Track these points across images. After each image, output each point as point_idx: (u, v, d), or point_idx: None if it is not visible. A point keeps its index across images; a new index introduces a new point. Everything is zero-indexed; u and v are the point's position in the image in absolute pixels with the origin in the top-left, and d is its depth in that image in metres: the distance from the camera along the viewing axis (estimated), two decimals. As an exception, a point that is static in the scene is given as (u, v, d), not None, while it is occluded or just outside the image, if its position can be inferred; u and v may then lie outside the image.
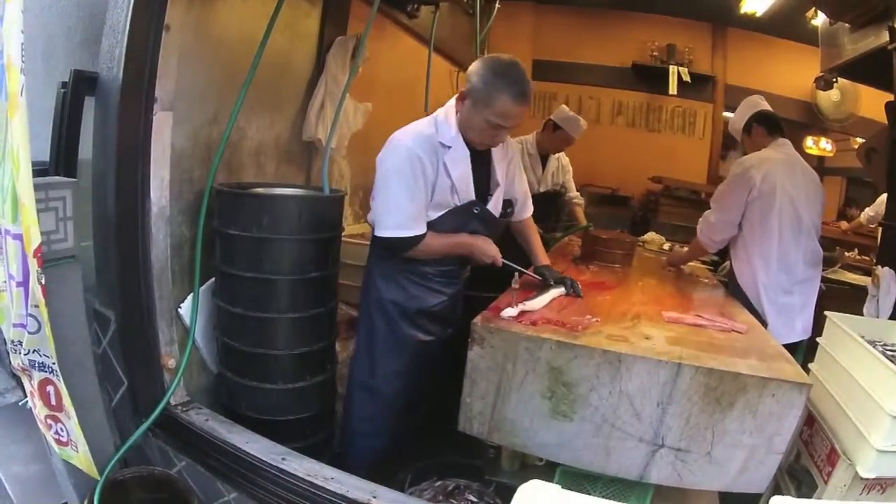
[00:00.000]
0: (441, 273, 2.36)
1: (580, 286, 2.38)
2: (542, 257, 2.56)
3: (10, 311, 1.69)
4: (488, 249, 2.28)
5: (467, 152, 2.20)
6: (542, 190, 4.25)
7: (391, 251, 2.24)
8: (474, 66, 2.12)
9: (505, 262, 2.31)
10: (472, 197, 2.27)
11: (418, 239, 2.16)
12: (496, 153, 2.36)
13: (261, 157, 2.86)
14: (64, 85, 2.04)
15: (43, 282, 1.59)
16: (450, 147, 2.17)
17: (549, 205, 4.31)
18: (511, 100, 2.04)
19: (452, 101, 2.23)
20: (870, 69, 3.09)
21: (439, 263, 2.32)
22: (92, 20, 2.21)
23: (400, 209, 2.13)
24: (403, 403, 2.46)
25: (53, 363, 1.70)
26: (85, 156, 2.10)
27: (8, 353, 1.85)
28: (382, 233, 2.17)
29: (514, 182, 2.52)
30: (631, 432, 1.75)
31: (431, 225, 2.21)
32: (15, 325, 1.67)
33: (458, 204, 2.24)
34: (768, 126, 3.01)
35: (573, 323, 1.94)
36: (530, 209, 2.63)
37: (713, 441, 1.70)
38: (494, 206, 2.36)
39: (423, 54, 3.98)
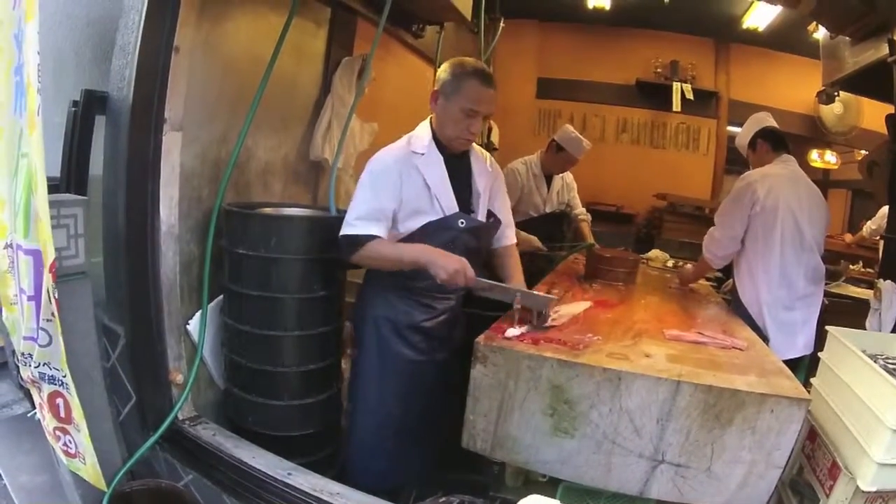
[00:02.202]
0: (429, 287, 2.27)
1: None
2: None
3: (21, 325, 1.72)
4: (448, 263, 2.05)
5: (441, 157, 2.26)
6: (548, 210, 4.23)
7: (343, 252, 2.19)
8: (441, 69, 2.26)
9: (480, 279, 2.15)
10: (454, 206, 2.25)
11: (361, 239, 2.12)
12: (476, 166, 2.39)
13: (268, 177, 2.90)
14: (75, 104, 2.10)
15: (56, 296, 1.62)
16: (423, 154, 2.23)
17: (556, 224, 4.31)
18: (478, 83, 2.16)
19: (427, 119, 2.33)
20: (871, 82, 3.11)
21: (424, 277, 2.15)
22: (102, 38, 2.27)
23: (353, 209, 2.16)
24: (400, 427, 2.40)
25: (64, 376, 1.72)
26: (95, 172, 2.16)
27: (17, 365, 1.88)
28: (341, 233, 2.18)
29: (498, 204, 2.50)
30: (631, 448, 1.77)
31: (415, 237, 2.20)
32: (25, 338, 1.70)
33: (443, 214, 2.23)
34: (773, 142, 3.03)
35: (574, 341, 1.95)
36: (512, 238, 2.59)
37: (713, 457, 1.71)
38: (480, 215, 2.37)
39: (428, 73, 4.01)
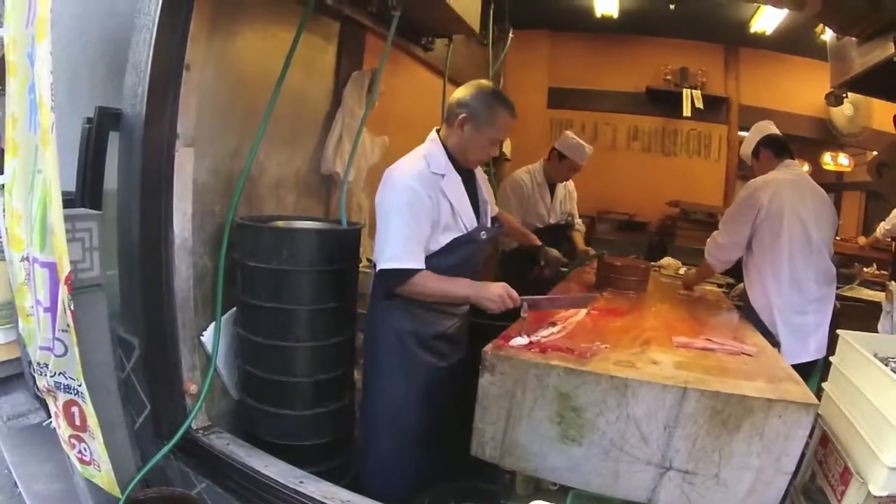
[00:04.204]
0: None
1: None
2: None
3: (38, 335, 1.77)
4: (492, 292, 2.20)
5: (459, 177, 2.32)
6: (552, 221, 4.16)
7: (387, 285, 2.24)
8: (466, 94, 2.26)
9: (524, 298, 2.20)
10: (474, 219, 2.35)
11: (411, 273, 2.16)
12: (479, 176, 2.51)
13: (280, 191, 2.93)
14: (89, 120, 2.14)
15: (72, 307, 1.66)
16: (443, 175, 2.26)
17: (561, 236, 4.20)
18: (508, 115, 2.27)
19: (434, 135, 2.36)
20: (878, 82, 3.09)
21: None
22: (115, 55, 2.31)
23: (395, 242, 2.16)
24: (423, 436, 2.41)
25: (79, 385, 1.75)
26: (109, 186, 2.20)
27: (33, 375, 1.92)
28: (379, 265, 2.19)
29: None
30: (638, 456, 1.77)
31: (442, 253, 2.25)
32: (42, 349, 1.75)
33: (466, 229, 2.30)
34: (775, 149, 3.06)
35: (581, 350, 1.96)
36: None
37: (721, 463, 1.71)
38: (487, 222, 2.50)
39: (438, 86, 4.03)
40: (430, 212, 2.20)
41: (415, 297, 2.24)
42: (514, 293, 2.19)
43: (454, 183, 2.29)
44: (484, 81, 2.34)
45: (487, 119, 2.24)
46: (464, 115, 2.24)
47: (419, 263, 2.17)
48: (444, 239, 2.26)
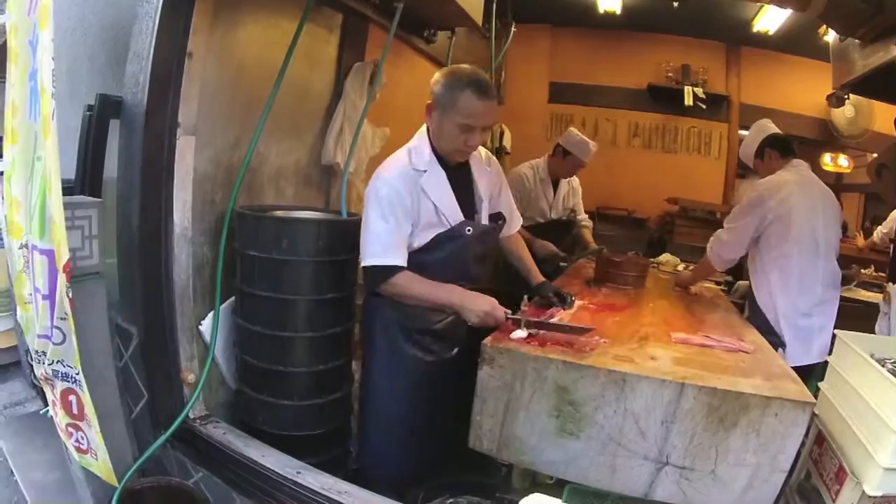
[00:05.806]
0: None
1: (580, 303, 2.50)
2: (536, 274, 2.59)
3: (36, 323, 1.76)
4: (479, 305, 2.11)
5: (443, 173, 2.24)
6: (554, 216, 4.19)
7: (371, 283, 2.24)
8: (435, 78, 2.17)
9: (510, 316, 2.10)
10: (459, 215, 2.26)
11: (392, 270, 2.13)
12: (475, 169, 2.38)
13: (280, 181, 2.93)
14: (90, 108, 2.14)
15: (70, 295, 1.65)
16: (425, 171, 2.20)
17: (563, 232, 4.24)
18: (473, 95, 2.07)
19: (423, 128, 2.28)
20: (880, 84, 3.08)
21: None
22: (115, 43, 2.31)
23: (374, 239, 2.14)
24: (413, 427, 2.40)
25: (77, 374, 1.75)
26: (109, 174, 2.20)
27: (30, 363, 1.91)
28: (363, 262, 2.19)
29: (501, 196, 2.54)
30: (636, 450, 1.77)
31: (427, 249, 2.23)
32: (39, 337, 1.74)
33: (450, 225, 2.24)
34: (781, 149, 3.03)
35: (580, 344, 1.96)
36: (518, 223, 2.67)
37: (717, 459, 1.71)
38: (483, 219, 2.39)
39: (439, 78, 4.01)
40: (409, 211, 2.16)
41: (397, 298, 2.21)
42: (501, 315, 2.10)
43: (436, 179, 2.22)
44: (456, 66, 2.21)
45: (450, 102, 2.10)
46: (429, 102, 2.17)
47: (400, 261, 2.15)
48: (428, 235, 2.22)
